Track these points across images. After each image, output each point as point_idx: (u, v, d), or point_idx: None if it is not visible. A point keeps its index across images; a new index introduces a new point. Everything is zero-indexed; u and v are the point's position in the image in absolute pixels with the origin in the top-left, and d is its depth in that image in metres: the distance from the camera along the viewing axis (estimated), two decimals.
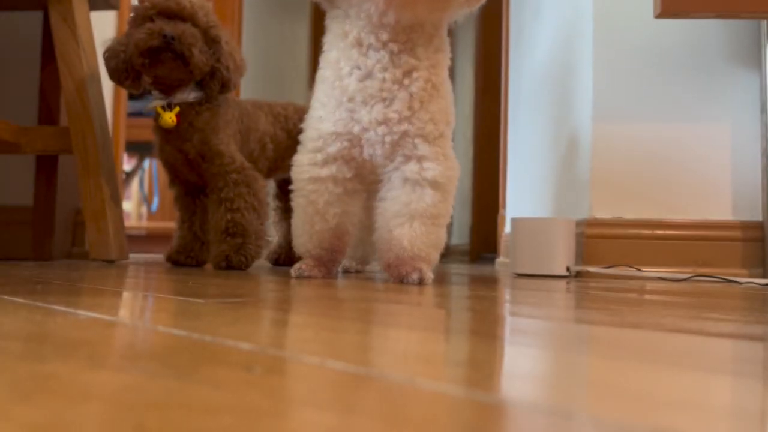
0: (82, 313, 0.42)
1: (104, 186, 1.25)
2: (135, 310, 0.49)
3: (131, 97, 2.72)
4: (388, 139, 0.82)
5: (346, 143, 0.84)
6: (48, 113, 1.47)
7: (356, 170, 0.86)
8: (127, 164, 3.19)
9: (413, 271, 0.81)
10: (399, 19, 0.79)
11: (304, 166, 0.88)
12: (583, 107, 1.31)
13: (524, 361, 0.31)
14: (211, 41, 1.15)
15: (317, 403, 0.20)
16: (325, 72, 0.86)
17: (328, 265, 0.90)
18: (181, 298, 0.56)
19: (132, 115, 2.70)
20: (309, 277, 0.88)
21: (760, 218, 1.20)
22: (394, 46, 0.82)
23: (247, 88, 2.64)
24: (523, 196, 1.87)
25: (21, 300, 0.49)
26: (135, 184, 3.53)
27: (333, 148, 0.84)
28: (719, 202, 1.22)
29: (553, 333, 0.40)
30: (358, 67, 0.83)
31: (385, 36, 0.81)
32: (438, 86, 0.83)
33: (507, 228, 1.95)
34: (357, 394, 0.22)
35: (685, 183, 1.24)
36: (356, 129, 0.83)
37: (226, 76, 1.17)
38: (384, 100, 0.82)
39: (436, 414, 0.19)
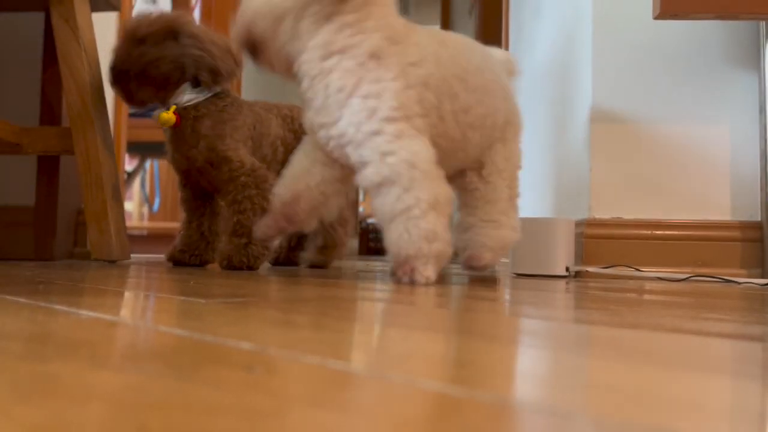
0: (84, 313, 0.42)
1: (106, 186, 1.25)
2: (136, 310, 0.49)
3: None
4: (331, 144, 0.80)
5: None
6: (50, 114, 1.47)
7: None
8: (129, 165, 3.19)
9: (410, 272, 0.80)
10: None
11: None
12: (583, 107, 1.31)
13: (524, 362, 0.31)
14: (168, 40, 1.14)
15: (318, 403, 0.20)
16: None
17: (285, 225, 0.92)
18: (183, 298, 0.56)
19: (133, 115, 2.70)
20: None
21: (758, 219, 1.20)
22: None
23: (249, 89, 2.64)
24: (523, 196, 1.87)
25: (23, 300, 0.49)
26: (136, 184, 3.53)
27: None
28: (718, 203, 1.23)
29: (553, 333, 0.41)
30: None
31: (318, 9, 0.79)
32: (341, 89, 0.78)
33: None
34: (358, 394, 0.22)
35: (684, 183, 1.24)
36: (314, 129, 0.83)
37: (212, 63, 1.16)
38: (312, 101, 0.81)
39: (436, 414, 0.20)
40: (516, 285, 0.89)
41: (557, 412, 0.20)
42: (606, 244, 1.22)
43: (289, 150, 1.29)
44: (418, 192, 0.77)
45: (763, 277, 1.16)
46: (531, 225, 1.13)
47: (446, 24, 4.36)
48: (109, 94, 1.72)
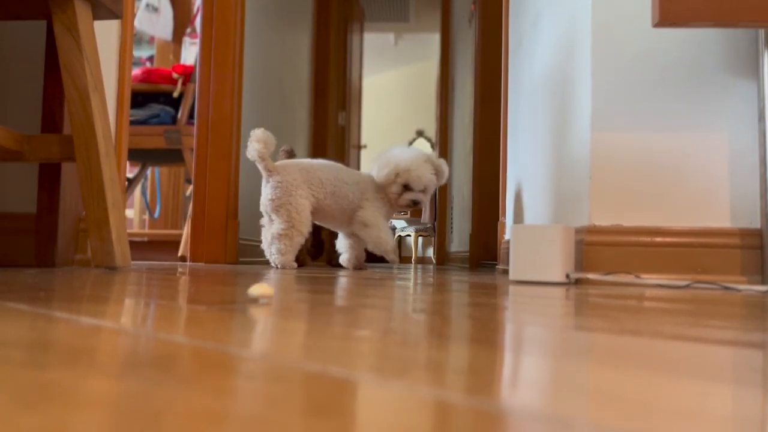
0: (85, 320, 0.42)
1: (107, 194, 1.25)
2: (137, 317, 0.49)
3: (134, 105, 2.73)
4: None
5: None
6: (51, 121, 1.47)
7: None
8: (130, 172, 3.19)
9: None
10: None
11: None
12: (583, 116, 1.31)
13: (524, 369, 0.31)
14: None
15: (320, 411, 0.20)
16: None
17: None
18: (183, 305, 0.56)
19: (134, 123, 2.71)
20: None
21: (758, 226, 1.20)
22: None
23: (250, 96, 2.64)
24: (524, 204, 1.87)
25: (24, 307, 0.49)
26: (137, 191, 3.54)
27: None
28: (718, 210, 1.23)
29: (553, 340, 0.41)
30: None
31: None
32: None
33: (507, 235, 1.95)
34: (359, 402, 0.22)
35: (683, 191, 1.24)
36: None
37: None
38: None
39: (437, 422, 0.20)
40: (515, 292, 0.89)
41: (557, 420, 0.20)
42: (606, 251, 1.22)
43: None
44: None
45: (763, 284, 1.15)
46: (531, 232, 1.14)
47: (446, 33, 4.37)
48: (111, 101, 1.72)
